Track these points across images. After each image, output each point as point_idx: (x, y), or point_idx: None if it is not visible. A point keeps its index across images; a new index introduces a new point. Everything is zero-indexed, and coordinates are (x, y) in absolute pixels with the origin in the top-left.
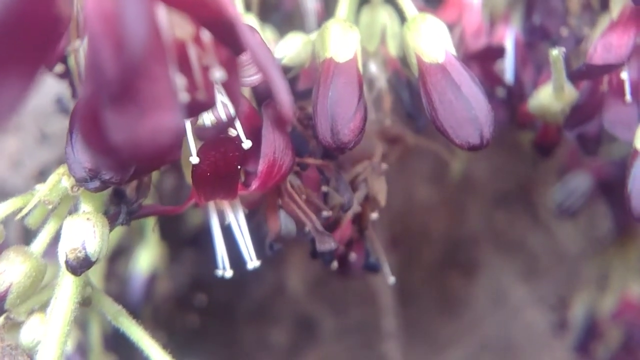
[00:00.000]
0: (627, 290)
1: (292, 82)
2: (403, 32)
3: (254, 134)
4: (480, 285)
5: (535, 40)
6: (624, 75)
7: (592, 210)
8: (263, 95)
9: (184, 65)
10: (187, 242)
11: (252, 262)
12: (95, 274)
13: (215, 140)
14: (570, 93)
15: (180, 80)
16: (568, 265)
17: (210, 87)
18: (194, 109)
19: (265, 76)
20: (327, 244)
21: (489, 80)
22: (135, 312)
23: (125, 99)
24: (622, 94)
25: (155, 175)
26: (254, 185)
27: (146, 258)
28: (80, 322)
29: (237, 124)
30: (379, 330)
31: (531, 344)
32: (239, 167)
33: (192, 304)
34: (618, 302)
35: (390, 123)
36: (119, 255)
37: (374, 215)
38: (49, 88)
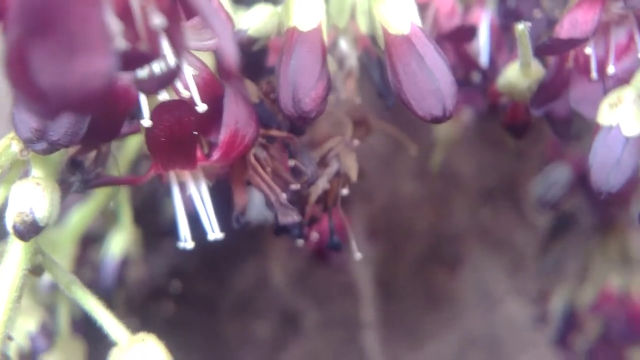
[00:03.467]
0: (607, 283)
1: (260, 55)
2: (370, 4)
3: (215, 102)
4: (465, 280)
5: (510, 23)
6: (589, 50)
7: (576, 204)
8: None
9: (124, 12)
10: (166, 232)
11: (214, 234)
12: (64, 258)
13: (168, 103)
14: (537, 70)
15: (117, 26)
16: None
17: (154, 38)
18: (135, 60)
19: (205, 22)
20: (289, 217)
21: (464, 63)
22: (107, 298)
23: (52, 37)
24: (588, 71)
25: (132, 157)
26: (215, 155)
27: (118, 242)
28: (49, 306)
29: (192, 86)
30: (360, 323)
31: (515, 338)
32: (195, 133)
33: (168, 291)
34: (597, 295)
35: (359, 103)
36: (93, 241)
37: (344, 192)
38: None
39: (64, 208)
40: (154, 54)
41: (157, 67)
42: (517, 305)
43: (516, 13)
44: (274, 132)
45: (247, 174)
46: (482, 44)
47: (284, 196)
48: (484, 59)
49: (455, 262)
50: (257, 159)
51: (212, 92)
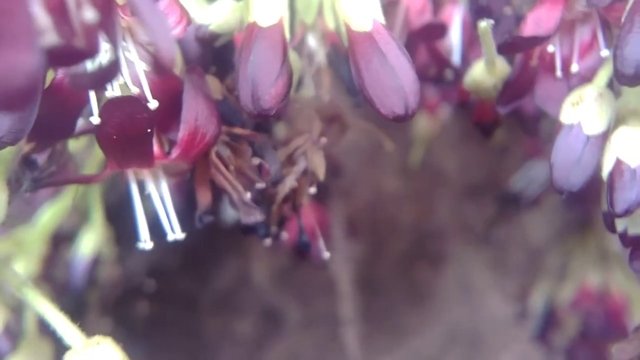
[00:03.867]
0: (586, 280)
1: (224, 51)
2: (334, 0)
3: (173, 99)
4: (448, 276)
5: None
6: (552, 48)
7: (559, 200)
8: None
9: (58, 7)
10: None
11: (174, 234)
12: (33, 257)
13: (118, 100)
14: (503, 68)
15: (47, 21)
16: (536, 256)
17: (92, 34)
18: (71, 56)
19: (138, 17)
20: (252, 216)
21: (436, 61)
22: (78, 298)
23: None
24: (553, 69)
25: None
26: (174, 153)
27: (89, 242)
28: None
29: (144, 81)
30: (341, 320)
31: (497, 334)
32: (149, 130)
33: (144, 291)
34: (577, 291)
35: (329, 100)
36: (66, 240)
37: (312, 190)
38: None
39: (34, 206)
40: (91, 50)
41: (94, 63)
42: (499, 301)
43: (487, 10)
44: (237, 130)
45: (210, 172)
46: (454, 42)
47: (247, 195)
48: (456, 56)
49: (438, 259)
50: (219, 157)
51: (169, 88)
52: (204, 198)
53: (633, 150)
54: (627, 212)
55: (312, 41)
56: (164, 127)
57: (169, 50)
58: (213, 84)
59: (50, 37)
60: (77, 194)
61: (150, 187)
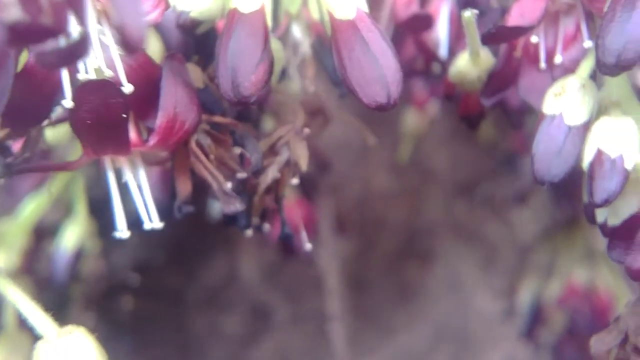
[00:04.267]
0: (573, 277)
1: (206, 39)
2: None
3: (151, 85)
4: (438, 274)
5: None
6: (535, 39)
7: (547, 198)
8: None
9: None
10: (130, 223)
11: (152, 223)
12: (13, 250)
13: (92, 83)
14: (487, 59)
15: None
16: (525, 254)
17: (60, 11)
18: (37, 33)
19: None
20: (232, 206)
21: (423, 54)
22: (61, 292)
23: None
24: (537, 61)
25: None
26: (152, 141)
27: (71, 235)
28: None
29: (119, 65)
30: (329, 317)
31: (486, 332)
32: (125, 116)
33: (129, 285)
34: (563, 288)
35: (314, 92)
36: (48, 233)
37: (295, 181)
38: None
39: (16, 198)
40: (58, 28)
41: (62, 41)
42: (489, 298)
43: (473, 2)
44: (218, 119)
45: (190, 161)
46: (441, 35)
47: (227, 185)
48: (443, 50)
49: (428, 256)
50: (199, 146)
51: (147, 74)
52: (183, 188)
53: (613, 140)
54: (606, 202)
55: (296, 31)
56: (142, 114)
57: (137, 28)
58: (194, 72)
59: (14, 13)
60: (58, 185)
61: (128, 175)
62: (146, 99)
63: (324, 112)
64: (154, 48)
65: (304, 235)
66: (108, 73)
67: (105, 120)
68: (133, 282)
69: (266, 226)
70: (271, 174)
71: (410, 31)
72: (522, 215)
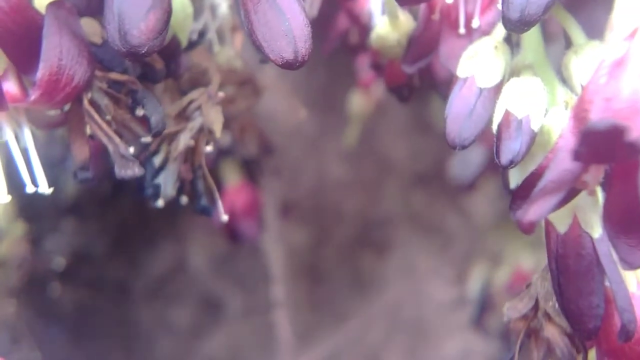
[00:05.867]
0: (520, 263)
1: None
2: None
3: (32, 34)
4: (392, 263)
5: None
6: (449, 0)
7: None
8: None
9: None
10: (68, 209)
11: (37, 187)
12: None
13: None
14: (406, 22)
15: None
16: (479, 242)
17: None
18: None
19: None
20: (129, 170)
21: (356, 26)
22: None
23: None
24: (457, 25)
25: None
26: (33, 95)
27: None
28: None
29: None
30: (279, 306)
31: (441, 321)
32: None
33: (65, 273)
34: (511, 275)
35: (242, 61)
36: None
37: (208, 149)
38: None
39: None
40: None
41: None
42: (444, 288)
43: None
44: (113, 75)
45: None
46: (373, 7)
47: (126, 148)
48: (378, 20)
49: (384, 246)
50: (94, 105)
51: (24, 20)
52: (80, 152)
53: (520, 101)
54: (511, 163)
55: None
56: (23, 67)
57: None
58: (92, 26)
59: None
60: None
61: (8, 135)
62: (27, 49)
63: (252, 82)
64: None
65: (247, 220)
66: None
67: None
68: (58, 267)
69: (184, 199)
70: (183, 140)
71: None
72: (477, 203)
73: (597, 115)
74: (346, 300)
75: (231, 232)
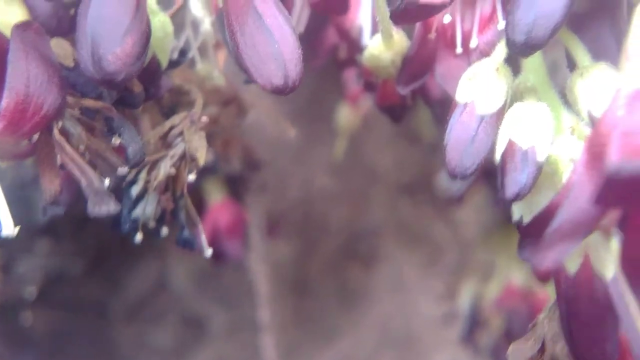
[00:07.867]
0: (510, 278)
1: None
2: None
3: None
4: (380, 276)
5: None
6: (447, 18)
7: (491, 199)
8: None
9: None
10: (42, 230)
11: (3, 229)
12: None
13: None
14: (401, 41)
15: None
16: (468, 256)
17: None
18: None
19: None
20: (104, 206)
21: (345, 42)
22: None
23: None
24: (454, 44)
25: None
26: None
27: None
28: None
29: None
30: (264, 325)
31: (430, 336)
32: None
33: (41, 298)
34: (501, 290)
35: (226, 79)
36: None
37: (191, 178)
38: None
39: None
40: None
41: None
42: (433, 302)
43: None
44: (88, 102)
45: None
46: (363, 22)
47: (101, 181)
48: (366, 38)
49: (371, 258)
50: (67, 134)
51: None
52: (50, 185)
53: (525, 130)
54: (517, 196)
55: (195, 5)
56: None
57: None
58: (63, 47)
59: None
60: None
61: None
62: None
63: (237, 101)
64: (14, 17)
65: (232, 240)
66: None
67: None
68: (29, 296)
69: (164, 231)
70: (164, 168)
71: (324, 13)
72: (466, 213)
73: (616, 152)
74: (334, 316)
75: (215, 252)
